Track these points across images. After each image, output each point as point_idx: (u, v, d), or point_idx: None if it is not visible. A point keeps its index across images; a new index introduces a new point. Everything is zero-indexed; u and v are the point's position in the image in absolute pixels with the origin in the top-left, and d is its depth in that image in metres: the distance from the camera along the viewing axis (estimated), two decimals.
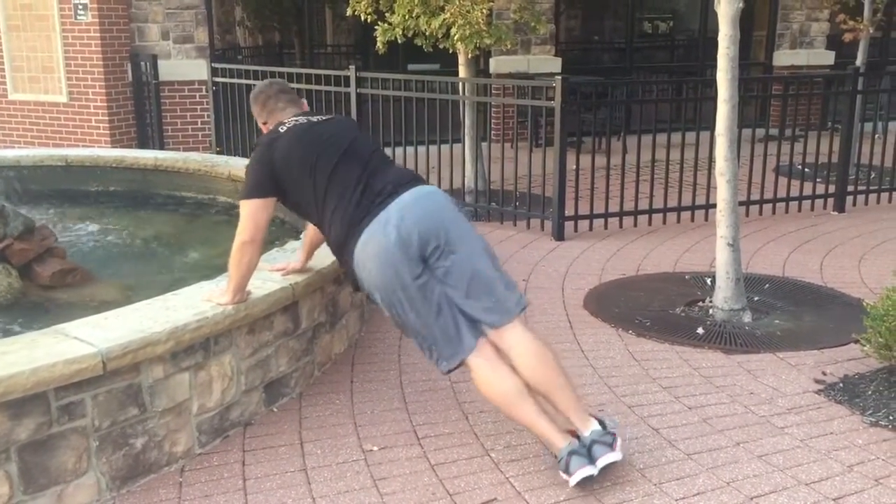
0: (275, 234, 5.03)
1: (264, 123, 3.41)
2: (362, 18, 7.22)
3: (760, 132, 8.54)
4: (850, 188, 7.20)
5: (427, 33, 6.84)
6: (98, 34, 8.80)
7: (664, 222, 6.55)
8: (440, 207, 3.04)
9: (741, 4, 4.30)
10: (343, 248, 3.07)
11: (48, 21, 9.08)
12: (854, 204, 7.20)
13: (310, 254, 3.63)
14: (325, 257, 3.73)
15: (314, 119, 3.29)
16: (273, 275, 3.50)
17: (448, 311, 2.95)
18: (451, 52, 7.10)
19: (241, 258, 3.15)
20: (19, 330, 3.69)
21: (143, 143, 9.30)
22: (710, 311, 4.59)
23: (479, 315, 2.98)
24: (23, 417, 2.57)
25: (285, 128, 3.24)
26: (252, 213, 3.15)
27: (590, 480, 2.83)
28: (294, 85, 7.45)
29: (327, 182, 3.09)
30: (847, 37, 8.35)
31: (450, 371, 3.04)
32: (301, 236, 4.12)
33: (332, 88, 7.14)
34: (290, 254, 3.81)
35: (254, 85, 7.78)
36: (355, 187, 3.05)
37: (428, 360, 3.10)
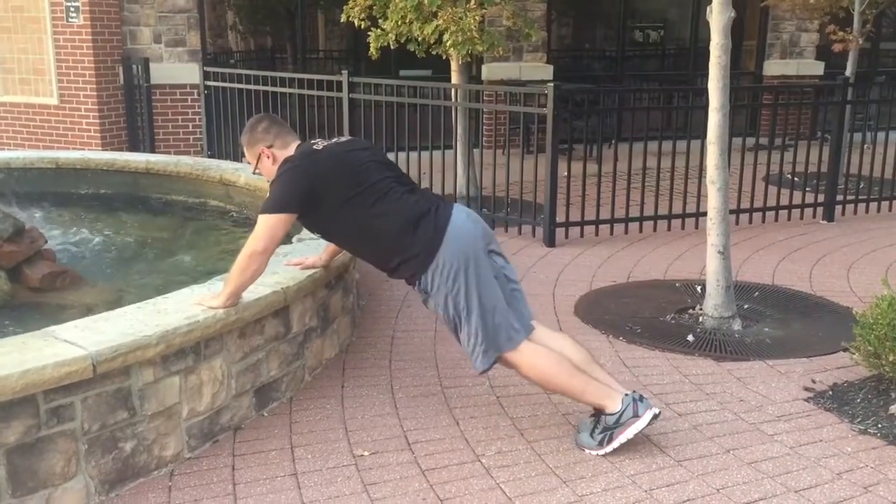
0: None
1: (269, 146, 3.36)
2: (355, 24, 7.23)
3: (750, 141, 8.59)
4: (839, 198, 7.24)
5: (420, 39, 6.86)
6: (89, 37, 8.78)
7: (655, 230, 6.58)
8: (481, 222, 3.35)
9: (732, 14, 4.33)
10: (413, 258, 3.16)
11: (39, 23, 9.06)
12: (843, 213, 7.25)
13: (334, 254, 3.75)
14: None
15: (342, 140, 3.45)
16: (264, 278, 3.49)
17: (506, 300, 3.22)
18: (443, 58, 7.11)
19: (248, 266, 3.16)
20: (9, 332, 3.66)
21: (133, 147, 9.27)
22: (701, 318, 4.60)
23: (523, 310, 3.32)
24: (11, 420, 2.55)
25: (321, 146, 3.32)
26: (273, 226, 3.16)
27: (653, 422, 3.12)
28: (286, 90, 7.46)
29: (384, 199, 3.21)
30: (837, 47, 8.41)
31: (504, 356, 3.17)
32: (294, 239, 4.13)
33: (324, 93, 7.14)
34: (283, 258, 3.81)
35: (246, 89, 7.80)
36: (415, 200, 3.24)
37: (480, 354, 3.15)
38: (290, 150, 3.34)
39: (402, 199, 3.23)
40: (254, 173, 3.51)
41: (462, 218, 3.20)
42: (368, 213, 3.20)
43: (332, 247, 3.71)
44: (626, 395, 3.15)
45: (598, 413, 3.17)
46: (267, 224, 3.15)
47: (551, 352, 3.20)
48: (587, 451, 3.15)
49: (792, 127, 7.22)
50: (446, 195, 6.79)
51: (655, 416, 3.13)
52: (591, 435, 3.16)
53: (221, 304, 3.14)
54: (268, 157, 3.36)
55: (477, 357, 3.17)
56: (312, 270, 3.68)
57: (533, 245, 6.22)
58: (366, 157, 3.34)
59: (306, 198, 3.19)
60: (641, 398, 3.15)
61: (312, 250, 3.84)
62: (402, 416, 3.45)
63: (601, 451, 3.13)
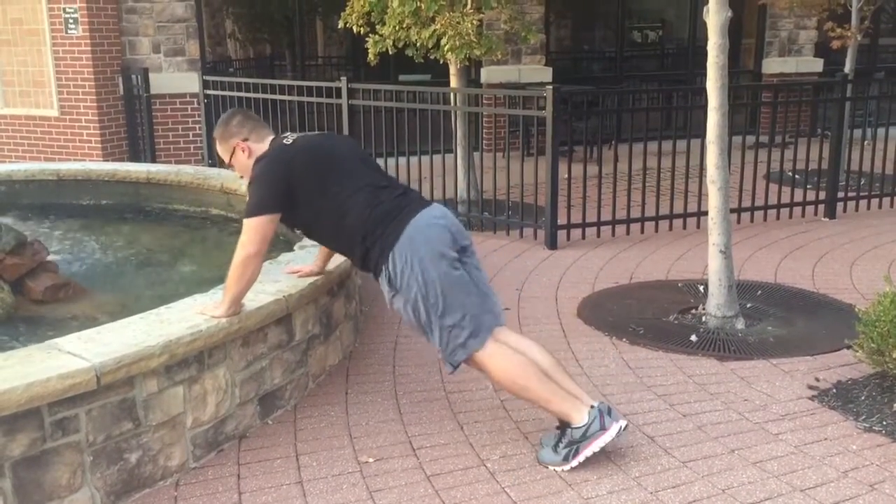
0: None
1: (245, 140, 3.34)
2: (354, 30, 7.24)
3: (751, 139, 8.59)
4: (841, 194, 7.23)
5: (418, 44, 6.87)
6: (89, 48, 8.81)
7: (656, 230, 6.57)
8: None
9: (729, 14, 4.33)
10: (378, 246, 3.11)
11: (39, 35, 9.08)
12: (845, 210, 7.24)
13: (327, 259, 3.73)
14: None
15: (314, 134, 3.44)
16: (266, 287, 3.50)
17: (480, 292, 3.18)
18: (441, 62, 7.12)
19: (243, 272, 3.16)
20: (12, 345, 3.67)
21: (134, 157, 9.29)
22: (703, 318, 4.60)
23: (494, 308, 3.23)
24: (16, 433, 2.56)
25: (291, 140, 3.30)
26: (260, 226, 3.14)
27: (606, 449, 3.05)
28: (286, 97, 7.48)
29: (357, 189, 3.18)
30: (835, 44, 8.41)
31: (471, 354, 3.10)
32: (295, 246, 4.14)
33: (323, 100, 7.15)
34: (284, 265, 3.82)
35: (245, 98, 7.82)
36: (389, 193, 3.22)
37: (451, 351, 3.10)
38: (265, 144, 3.33)
39: (377, 191, 3.21)
40: (228, 167, 3.44)
41: (435, 211, 3.19)
42: (343, 203, 3.17)
43: (324, 251, 3.70)
44: (593, 406, 3.05)
45: (563, 426, 3.07)
46: (252, 227, 3.15)
47: (518, 354, 3.12)
48: (550, 467, 3.03)
49: (792, 124, 7.22)
50: (447, 199, 6.80)
51: (622, 429, 3.05)
52: (555, 449, 3.05)
53: (224, 313, 3.15)
54: (243, 151, 3.33)
55: (452, 353, 3.10)
56: (315, 277, 3.69)
57: (535, 248, 6.22)
58: (339, 149, 3.36)
59: (284, 194, 3.18)
60: (609, 410, 3.06)
61: (313, 257, 3.84)
62: (407, 422, 3.45)
63: (566, 467, 3.01)
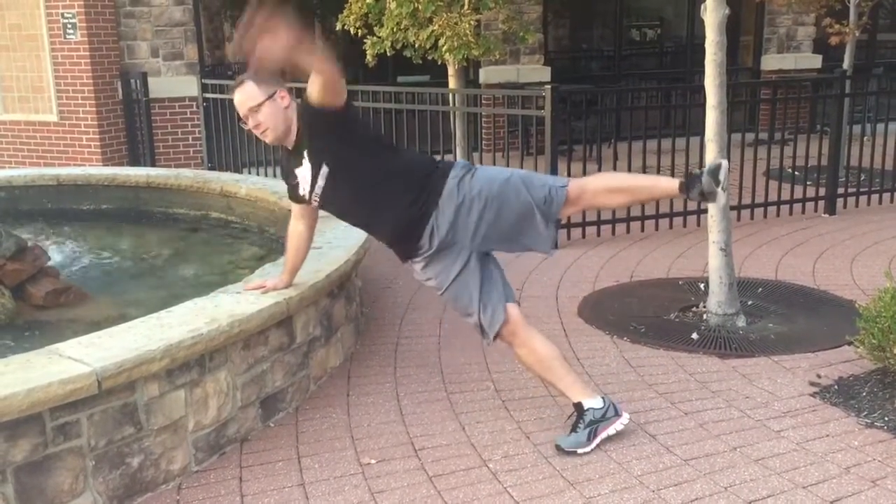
0: (267, 250, 5.04)
1: (289, 92, 3.21)
2: (352, 32, 7.25)
3: (750, 137, 8.59)
4: (841, 190, 7.24)
5: (416, 45, 6.87)
6: (87, 53, 8.82)
7: (657, 228, 6.57)
8: None
9: (727, 11, 4.33)
10: (427, 206, 3.14)
11: (37, 41, 9.09)
12: (845, 206, 7.24)
13: (293, 274, 3.56)
14: (319, 271, 3.75)
15: None
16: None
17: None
18: (440, 63, 7.13)
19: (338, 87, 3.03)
20: (13, 351, 3.67)
21: (134, 161, 9.30)
22: (704, 316, 4.60)
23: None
24: (18, 438, 2.56)
25: None
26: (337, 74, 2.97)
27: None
28: None
29: (399, 149, 3.46)
30: (834, 40, 8.41)
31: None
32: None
33: None
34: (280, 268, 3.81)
35: None
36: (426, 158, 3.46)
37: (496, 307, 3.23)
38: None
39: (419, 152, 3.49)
40: (248, 113, 3.20)
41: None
42: (391, 157, 3.24)
43: (289, 266, 3.53)
44: (603, 397, 3.30)
45: (578, 410, 3.24)
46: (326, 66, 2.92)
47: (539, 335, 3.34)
48: (579, 451, 3.15)
49: (791, 121, 7.23)
50: None
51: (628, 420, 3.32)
52: (575, 431, 3.20)
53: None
54: (283, 99, 3.18)
55: (494, 311, 3.20)
56: (315, 280, 3.68)
57: None
58: None
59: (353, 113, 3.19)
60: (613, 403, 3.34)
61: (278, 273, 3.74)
62: (408, 423, 3.45)
63: (588, 448, 3.16)
